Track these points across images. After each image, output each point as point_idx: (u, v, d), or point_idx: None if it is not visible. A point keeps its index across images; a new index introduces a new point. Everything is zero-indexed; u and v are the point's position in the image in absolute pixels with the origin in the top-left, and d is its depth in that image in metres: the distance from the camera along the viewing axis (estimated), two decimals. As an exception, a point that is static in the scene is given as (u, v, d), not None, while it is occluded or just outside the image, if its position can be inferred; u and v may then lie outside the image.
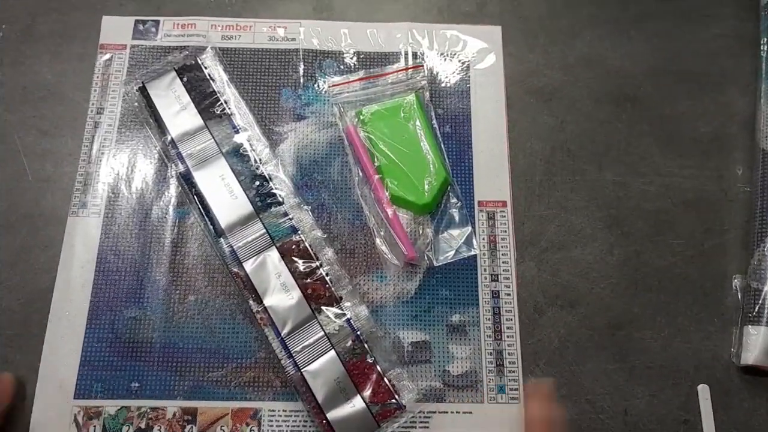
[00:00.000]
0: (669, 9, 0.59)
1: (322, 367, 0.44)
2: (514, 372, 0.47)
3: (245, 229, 0.47)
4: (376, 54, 0.56)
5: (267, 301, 0.46)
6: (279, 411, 0.46)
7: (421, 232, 0.49)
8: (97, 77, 0.54)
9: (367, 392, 0.44)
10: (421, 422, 0.46)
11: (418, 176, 0.49)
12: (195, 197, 0.49)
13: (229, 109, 0.51)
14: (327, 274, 0.47)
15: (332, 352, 0.45)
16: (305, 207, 0.49)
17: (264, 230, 0.47)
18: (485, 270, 0.50)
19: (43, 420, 0.45)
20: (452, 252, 0.48)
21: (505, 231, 0.51)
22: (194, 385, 0.46)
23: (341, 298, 0.47)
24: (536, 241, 0.51)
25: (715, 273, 0.51)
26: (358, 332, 0.46)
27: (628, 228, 0.52)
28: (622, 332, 0.49)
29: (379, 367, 0.45)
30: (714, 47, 0.58)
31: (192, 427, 0.45)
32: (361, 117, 0.52)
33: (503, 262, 0.50)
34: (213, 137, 0.50)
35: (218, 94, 0.51)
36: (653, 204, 0.52)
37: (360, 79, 0.53)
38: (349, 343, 0.45)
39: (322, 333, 0.45)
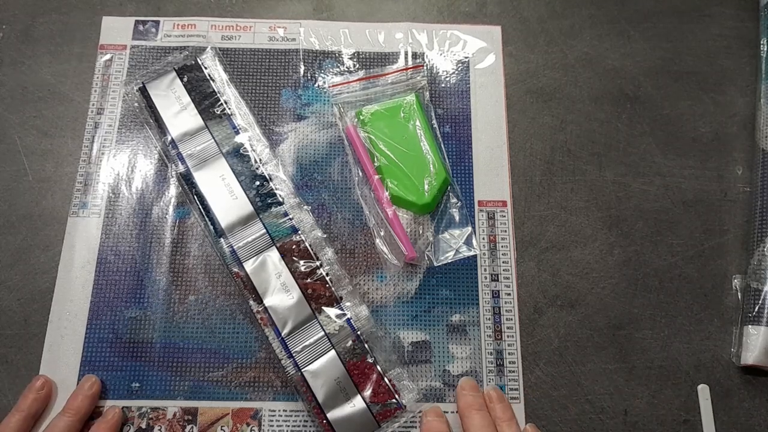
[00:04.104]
0: (668, 9, 0.59)
1: (322, 367, 0.44)
2: (514, 372, 0.47)
3: (245, 229, 0.47)
4: (376, 54, 0.56)
5: (267, 301, 0.45)
6: (279, 411, 0.46)
7: (421, 232, 0.49)
8: (97, 77, 0.54)
9: (368, 392, 0.44)
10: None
11: (418, 176, 0.49)
12: (195, 197, 0.49)
13: (229, 109, 0.51)
14: (327, 274, 0.47)
15: (332, 352, 0.45)
16: (305, 207, 0.49)
17: (264, 230, 0.47)
18: (485, 270, 0.50)
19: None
20: (452, 252, 0.48)
21: (505, 231, 0.51)
22: (194, 385, 0.46)
23: (341, 298, 0.47)
24: (536, 241, 0.51)
25: (714, 273, 0.51)
26: (359, 332, 0.46)
27: (628, 228, 0.52)
28: (622, 332, 0.49)
29: (379, 367, 0.45)
30: (714, 47, 0.58)
31: (192, 427, 0.45)
32: (361, 117, 0.52)
33: (503, 262, 0.50)
34: (213, 137, 0.50)
35: (218, 95, 0.51)
36: (653, 204, 0.52)
37: (360, 80, 0.53)
38: (350, 343, 0.45)
39: (323, 333, 0.45)
